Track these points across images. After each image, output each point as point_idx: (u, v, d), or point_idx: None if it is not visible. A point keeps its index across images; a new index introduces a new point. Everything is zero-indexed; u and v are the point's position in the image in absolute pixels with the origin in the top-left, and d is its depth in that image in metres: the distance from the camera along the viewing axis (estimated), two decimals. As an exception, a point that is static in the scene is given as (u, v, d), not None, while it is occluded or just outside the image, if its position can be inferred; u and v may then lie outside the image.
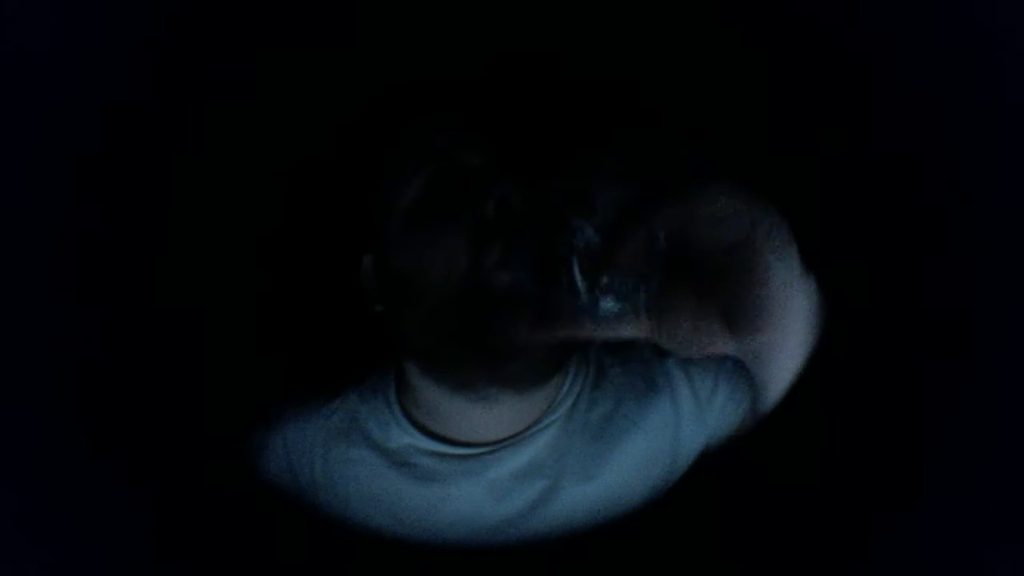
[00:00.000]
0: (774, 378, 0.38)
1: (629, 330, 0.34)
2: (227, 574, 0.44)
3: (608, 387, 0.54)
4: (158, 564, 0.41)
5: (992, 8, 0.43)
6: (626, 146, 0.34)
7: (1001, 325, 0.40)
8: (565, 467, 0.50)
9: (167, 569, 0.42)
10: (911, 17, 0.45)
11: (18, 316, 0.44)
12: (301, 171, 0.58)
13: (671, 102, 0.48)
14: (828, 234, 0.36)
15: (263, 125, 0.53)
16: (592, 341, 0.56)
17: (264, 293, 0.61)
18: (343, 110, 0.54)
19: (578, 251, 0.32)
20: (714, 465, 0.52)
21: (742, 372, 0.53)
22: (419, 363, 0.48)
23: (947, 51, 0.44)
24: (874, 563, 0.39)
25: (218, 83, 0.50)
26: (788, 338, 0.34)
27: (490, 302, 0.42)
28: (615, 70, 0.50)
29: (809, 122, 0.48)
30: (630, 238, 0.31)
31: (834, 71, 0.47)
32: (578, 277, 0.32)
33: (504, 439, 0.50)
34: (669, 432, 0.52)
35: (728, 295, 0.32)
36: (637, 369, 0.55)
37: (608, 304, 0.32)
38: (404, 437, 0.52)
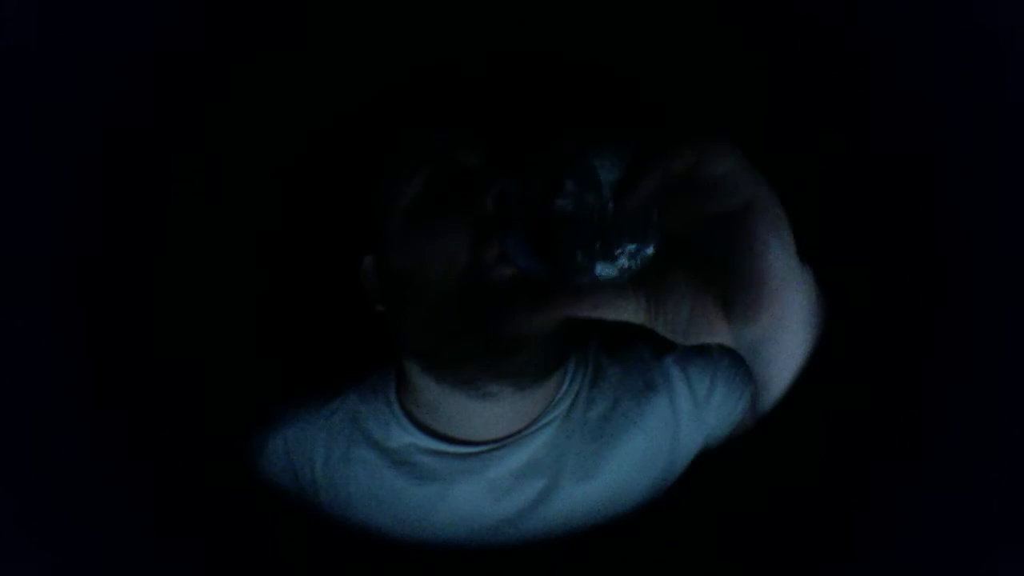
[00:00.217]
0: (773, 374, 0.37)
1: (628, 314, 0.33)
2: (227, 574, 0.44)
3: (606, 386, 0.54)
4: (158, 564, 0.41)
5: (992, 7, 0.43)
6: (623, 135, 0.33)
7: (1001, 325, 0.40)
8: (564, 466, 0.51)
9: (167, 569, 0.42)
10: (912, 16, 0.45)
11: (18, 315, 0.44)
12: (301, 172, 0.58)
13: (670, 102, 0.48)
14: (827, 234, 0.36)
15: (263, 126, 0.53)
16: (591, 330, 0.56)
17: (264, 293, 0.61)
18: (342, 111, 0.54)
19: (572, 214, 0.31)
20: (712, 464, 0.52)
21: (740, 371, 0.53)
22: (420, 361, 0.48)
23: (947, 50, 0.44)
24: (874, 563, 0.39)
25: (218, 83, 0.50)
26: (786, 330, 0.33)
27: (491, 297, 0.43)
28: (614, 69, 0.50)
29: (808, 121, 0.48)
30: (626, 202, 0.31)
31: (833, 70, 0.47)
32: (574, 240, 0.31)
33: (503, 438, 0.51)
34: (667, 431, 0.53)
35: (725, 276, 0.31)
36: (635, 368, 0.55)
37: (606, 269, 0.31)
38: (404, 436, 0.52)
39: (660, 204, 0.31)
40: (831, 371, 0.37)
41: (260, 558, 0.45)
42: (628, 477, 0.51)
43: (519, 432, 0.51)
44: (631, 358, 0.56)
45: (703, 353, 0.55)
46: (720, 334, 0.33)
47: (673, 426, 0.53)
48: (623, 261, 0.31)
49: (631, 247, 0.31)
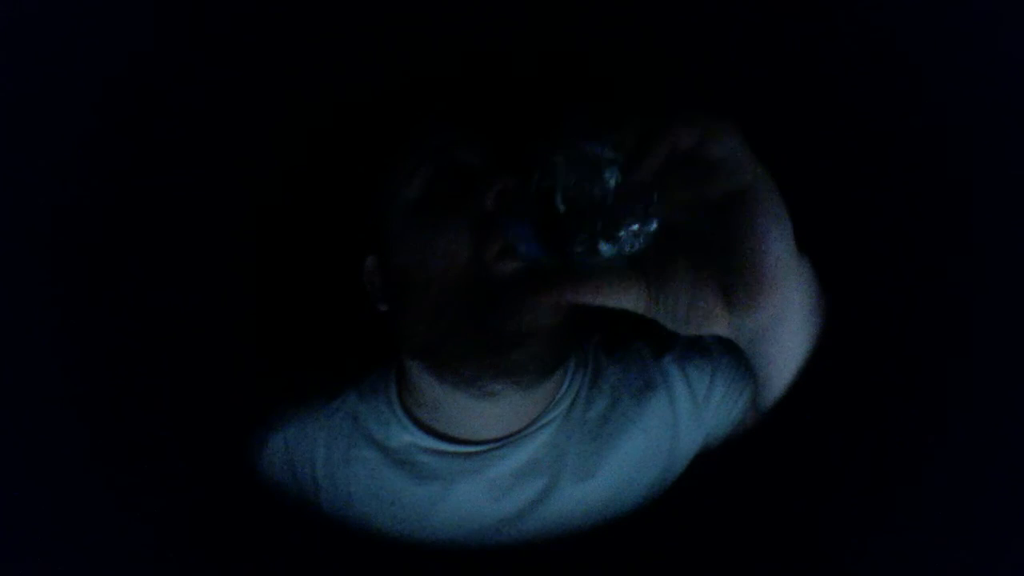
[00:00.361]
0: (773, 369, 0.37)
1: (629, 301, 0.33)
2: (227, 574, 0.44)
3: (605, 386, 0.54)
4: (158, 564, 0.41)
5: (992, 7, 0.43)
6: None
7: (1002, 325, 0.40)
8: (563, 466, 0.51)
9: (167, 569, 0.42)
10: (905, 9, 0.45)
11: (19, 315, 0.44)
12: (302, 173, 0.58)
13: (670, 100, 0.48)
14: (826, 233, 0.36)
15: (264, 126, 0.53)
16: (591, 330, 0.56)
17: (265, 293, 0.61)
18: (343, 112, 0.54)
19: (573, 194, 0.31)
20: (712, 464, 0.52)
21: (739, 369, 0.53)
22: (422, 359, 0.48)
23: (947, 49, 0.44)
24: (874, 563, 0.39)
25: (219, 84, 0.50)
26: (786, 323, 0.33)
27: (492, 293, 0.43)
28: (613, 69, 0.50)
29: (808, 121, 0.48)
30: (632, 177, 0.31)
31: (837, 67, 0.47)
32: (576, 220, 0.31)
33: (504, 437, 0.51)
34: (666, 430, 0.53)
35: (725, 263, 0.31)
36: (634, 368, 0.55)
37: (609, 248, 0.31)
38: (405, 435, 0.52)
39: (662, 184, 0.31)
40: (830, 370, 0.37)
41: (260, 558, 0.45)
42: (628, 476, 0.51)
43: (519, 432, 0.51)
44: (630, 358, 0.56)
45: (702, 352, 0.55)
46: (720, 324, 0.32)
47: (672, 425, 0.53)
48: (626, 239, 0.31)
49: (633, 226, 0.31)
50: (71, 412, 0.44)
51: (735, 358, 0.54)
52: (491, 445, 0.50)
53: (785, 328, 0.33)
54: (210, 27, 0.49)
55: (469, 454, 0.50)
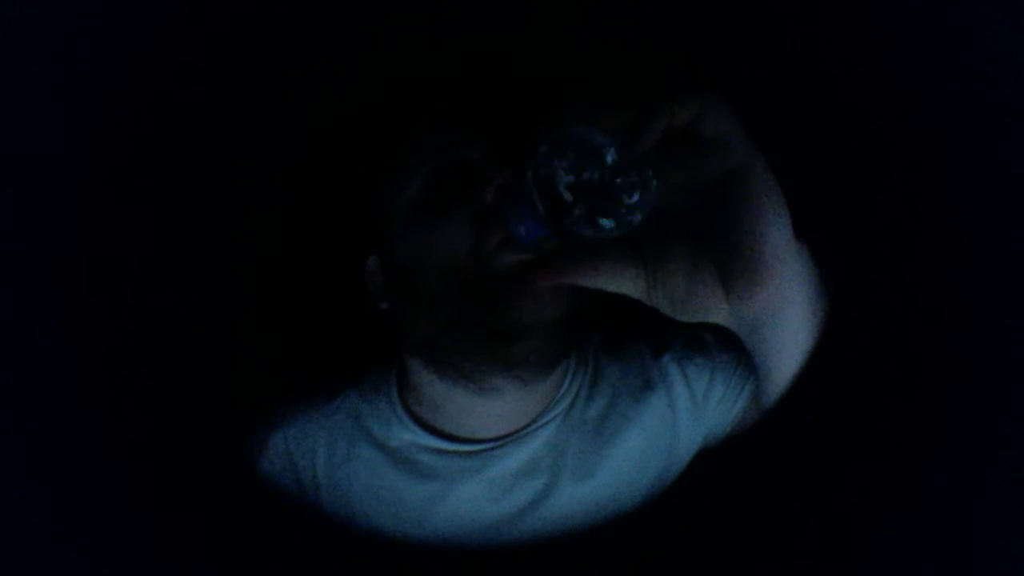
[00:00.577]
0: (775, 360, 0.37)
1: (627, 285, 0.33)
2: (228, 573, 0.44)
3: (605, 386, 0.54)
4: (159, 564, 0.41)
5: (993, 6, 0.43)
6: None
7: (1003, 325, 0.40)
8: (563, 465, 0.51)
9: (167, 569, 0.42)
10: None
11: (19, 315, 0.44)
12: (302, 174, 0.58)
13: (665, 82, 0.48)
14: (826, 232, 0.36)
15: (265, 127, 0.53)
16: (591, 328, 0.56)
17: (265, 293, 0.61)
18: (344, 113, 0.54)
19: (570, 169, 0.31)
20: (712, 463, 0.52)
21: (739, 368, 0.53)
22: (423, 356, 0.48)
23: (947, 47, 0.44)
24: (874, 563, 0.39)
25: (220, 85, 0.50)
26: (787, 311, 0.33)
27: (492, 285, 0.43)
28: (612, 68, 0.50)
29: (807, 121, 0.48)
30: (630, 151, 0.31)
31: (836, 66, 0.47)
32: (574, 195, 0.31)
33: (504, 436, 0.51)
34: (666, 429, 0.53)
35: (722, 246, 0.31)
36: (633, 367, 0.55)
37: (607, 223, 0.31)
38: (406, 434, 0.52)
39: (659, 160, 0.31)
40: (830, 370, 0.36)
41: (261, 557, 0.45)
42: (627, 475, 0.51)
43: (519, 431, 0.51)
44: (630, 357, 0.56)
45: (701, 351, 0.55)
46: (719, 310, 0.32)
47: (671, 424, 0.53)
48: (625, 214, 0.31)
49: (633, 199, 0.31)
50: (71, 412, 0.44)
51: (734, 357, 0.54)
52: (491, 444, 0.51)
53: (785, 316, 0.33)
54: (211, 27, 0.49)
55: (469, 453, 0.50)
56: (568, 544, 0.48)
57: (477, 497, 0.50)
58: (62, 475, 0.42)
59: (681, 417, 0.53)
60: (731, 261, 0.31)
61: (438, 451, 0.51)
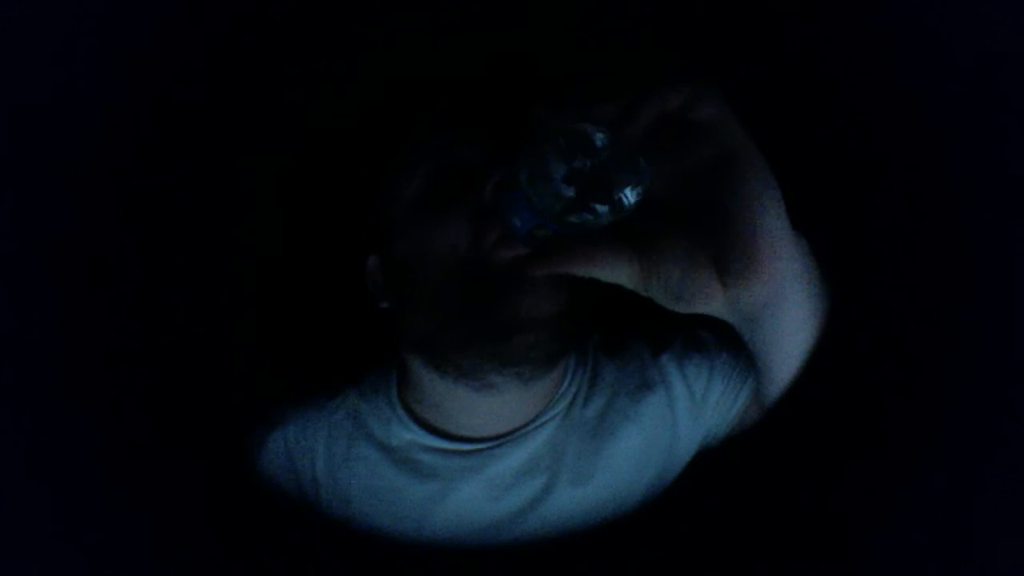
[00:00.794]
0: (775, 355, 0.36)
1: (622, 275, 0.33)
2: (228, 573, 0.44)
3: (603, 385, 0.54)
4: (158, 564, 0.41)
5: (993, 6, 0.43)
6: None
7: (1003, 325, 0.40)
8: (562, 465, 0.51)
9: (167, 569, 0.42)
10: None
11: (19, 315, 0.44)
12: (303, 174, 0.59)
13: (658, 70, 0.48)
14: (826, 233, 0.36)
15: (262, 127, 0.53)
16: (591, 326, 0.56)
17: (267, 293, 0.61)
18: (345, 114, 0.54)
19: (563, 155, 0.31)
20: (711, 463, 0.52)
21: (738, 367, 0.53)
22: (423, 353, 0.48)
23: (947, 47, 0.44)
24: (874, 563, 0.39)
25: (220, 86, 0.50)
26: (784, 302, 0.32)
27: (491, 280, 0.43)
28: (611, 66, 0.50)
29: (807, 120, 0.48)
30: (622, 136, 0.30)
31: (835, 66, 0.47)
32: (569, 181, 0.31)
33: (504, 434, 0.51)
34: (665, 428, 0.53)
35: (716, 234, 0.31)
36: (632, 367, 0.55)
37: (602, 209, 0.31)
38: (405, 434, 0.52)
39: (652, 145, 0.31)
40: (829, 370, 0.36)
41: (260, 557, 0.45)
42: (626, 475, 0.51)
43: (519, 429, 0.51)
44: (628, 357, 0.56)
45: (700, 350, 0.55)
46: (716, 301, 0.32)
47: (670, 424, 0.53)
48: (620, 199, 0.31)
49: (627, 184, 0.31)
50: (71, 412, 0.44)
51: (733, 355, 0.54)
52: (491, 443, 0.51)
53: (784, 308, 0.33)
54: (211, 27, 0.49)
55: (469, 452, 0.51)
56: (568, 544, 0.48)
57: (477, 497, 0.50)
58: (62, 475, 0.42)
59: (680, 416, 0.53)
60: (726, 250, 0.31)
61: (438, 450, 0.51)
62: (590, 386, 0.54)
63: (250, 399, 0.54)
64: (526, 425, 0.51)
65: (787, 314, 0.33)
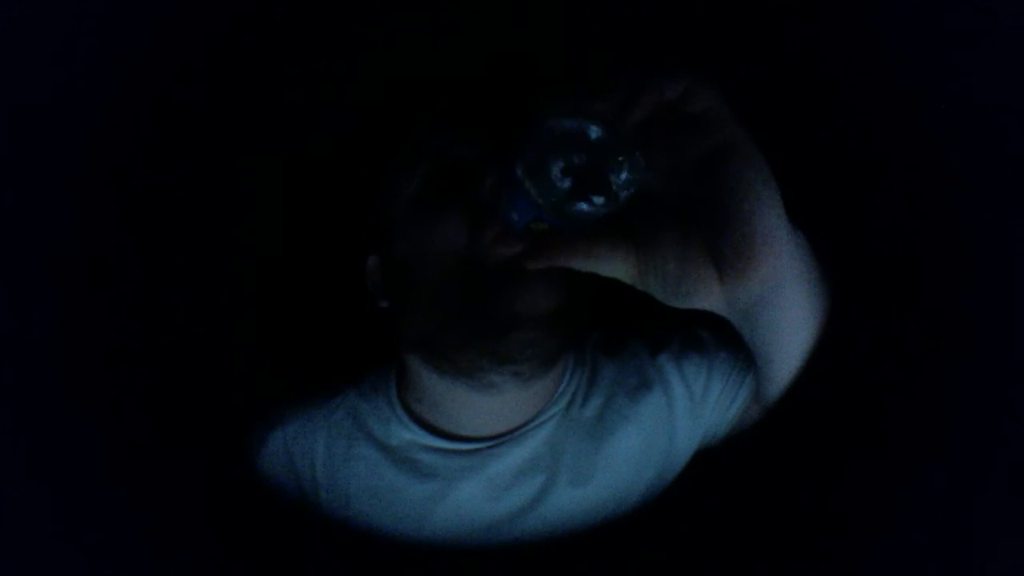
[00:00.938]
0: (774, 351, 0.36)
1: (619, 269, 0.33)
2: (227, 573, 0.44)
3: (602, 384, 0.54)
4: (158, 564, 0.41)
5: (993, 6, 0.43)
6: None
7: (1003, 324, 0.40)
8: (562, 464, 0.51)
9: (167, 568, 0.42)
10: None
11: (19, 315, 0.44)
12: (302, 174, 0.58)
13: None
14: (826, 233, 0.36)
15: (262, 127, 0.53)
16: (589, 325, 0.56)
17: (265, 293, 0.61)
18: (343, 112, 0.54)
19: (560, 144, 0.31)
20: (711, 463, 0.52)
21: (737, 366, 0.53)
22: (421, 351, 0.48)
23: (946, 46, 0.44)
24: (874, 563, 0.39)
25: (221, 88, 0.50)
26: (782, 295, 0.32)
27: (488, 278, 0.43)
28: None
29: (807, 120, 0.48)
30: (618, 126, 0.30)
31: (842, 65, 0.47)
32: (565, 171, 0.31)
33: (503, 433, 0.51)
34: (663, 428, 0.53)
35: (712, 226, 0.31)
36: (630, 366, 0.55)
37: (599, 200, 0.31)
38: (405, 433, 0.52)
39: (649, 136, 0.31)
40: (829, 369, 0.36)
41: (260, 557, 0.45)
42: (626, 474, 0.51)
43: (518, 428, 0.51)
44: (627, 356, 0.56)
45: (699, 349, 0.55)
46: (713, 295, 0.32)
47: (669, 423, 0.53)
48: (617, 188, 0.31)
49: (623, 173, 0.31)
50: (71, 411, 0.44)
51: (732, 354, 0.54)
52: (491, 442, 0.51)
53: (781, 301, 0.32)
54: (211, 27, 0.49)
55: (469, 451, 0.50)
56: (567, 544, 0.48)
57: (476, 496, 0.50)
58: (62, 475, 0.42)
59: (679, 416, 0.53)
60: (723, 243, 0.30)
61: (437, 450, 0.51)
62: (589, 386, 0.54)
63: (250, 399, 0.54)
64: (525, 424, 0.51)
65: (785, 309, 0.33)
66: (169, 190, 0.51)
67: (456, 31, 0.51)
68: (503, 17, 0.51)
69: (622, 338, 0.57)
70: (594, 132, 0.31)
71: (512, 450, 0.50)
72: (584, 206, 0.31)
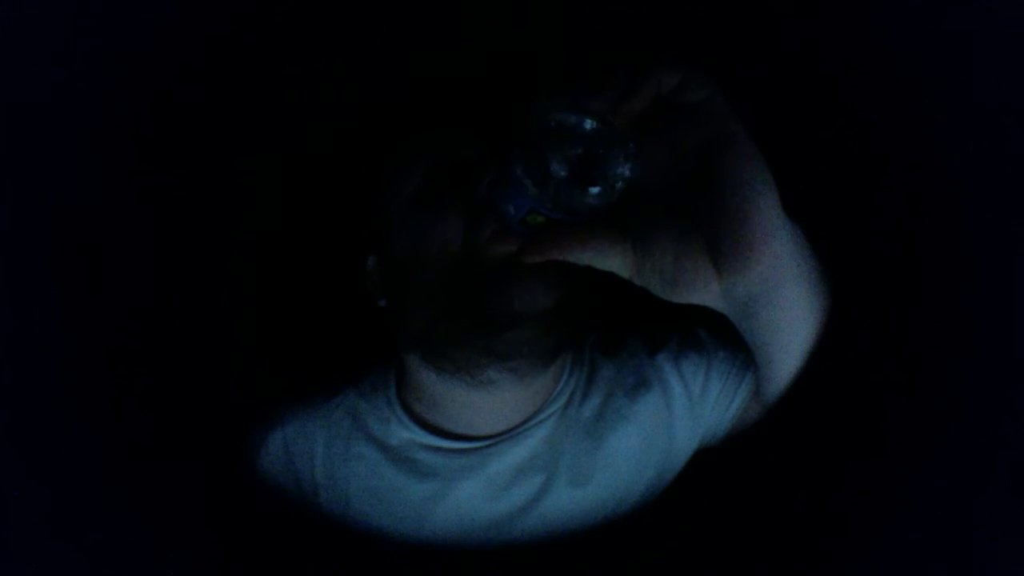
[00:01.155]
0: (773, 346, 0.36)
1: (615, 261, 0.33)
2: (227, 573, 0.44)
3: (600, 384, 0.54)
4: (158, 564, 0.41)
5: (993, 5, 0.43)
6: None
7: (1003, 324, 0.40)
8: (560, 463, 0.51)
9: (166, 568, 0.42)
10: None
11: (19, 315, 0.44)
12: (302, 175, 0.59)
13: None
14: (826, 233, 0.36)
15: (262, 127, 0.53)
16: (588, 325, 0.56)
17: (265, 293, 0.61)
18: (343, 113, 0.54)
19: (556, 135, 0.31)
20: (711, 463, 0.52)
21: (735, 365, 0.53)
22: (419, 349, 0.48)
23: (946, 45, 0.44)
24: (874, 563, 0.39)
25: (221, 89, 0.50)
26: (781, 290, 0.32)
27: (485, 275, 0.43)
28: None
29: (807, 120, 0.48)
30: (615, 117, 0.30)
31: (835, 66, 0.47)
32: (561, 162, 0.31)
33: (502, 432, 0.51)
34: (662, 427, 0.53)
35: (709, 219, 0.30)
36: (629, 366, 0.55)
37: (594, 190, 0.31)
38: (404, 432, 0.52)
39: (645, 127, 0.31)
40: (829, 369, 0.36)
41: (260, 557, 0.45)
42: (625, 473, 0.51)
43: (517, 427, 0.51)
44: (625, 356, 0.56)
45: (697, 348, 0.55)
46: (711, 289, 0.31)
47: (667, 422, 0.53)
48: (613, 177, 0.31)
49: (619, 163, 0.31)
50: (70, 411, 0.44)
51: (731, 353, 0.54)
52: (490, 441, 0.51)
53: (780, 296, 0.32)
54: (211, 27, 0.49)
55: (468, 450, 0.51)
56: (567, 543, 0.48)
57: (476, 495, 0.50)
58: (62, 475, 0.42)
59: (677, 415, 0.53)
60: (719, 235, 0.30)
61: (437, 449, 0.51)
62: (587, 385, 0.54)
63: (250, 399, 0.54)
64: (524, 423, 0.51)
65: (784, 303, 0.33)
66: (169, 190, 0.51)
67: (456, 31, 0.51)
68: (503, 17, 0.51)
69: (621, 338, 0.57)
70: (589, 124, 0.31)
71: (511, 449, 0.50)
72: (580, 196, 0.31)
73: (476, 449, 0.51)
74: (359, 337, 0.58)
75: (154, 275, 0.50)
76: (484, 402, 0.49)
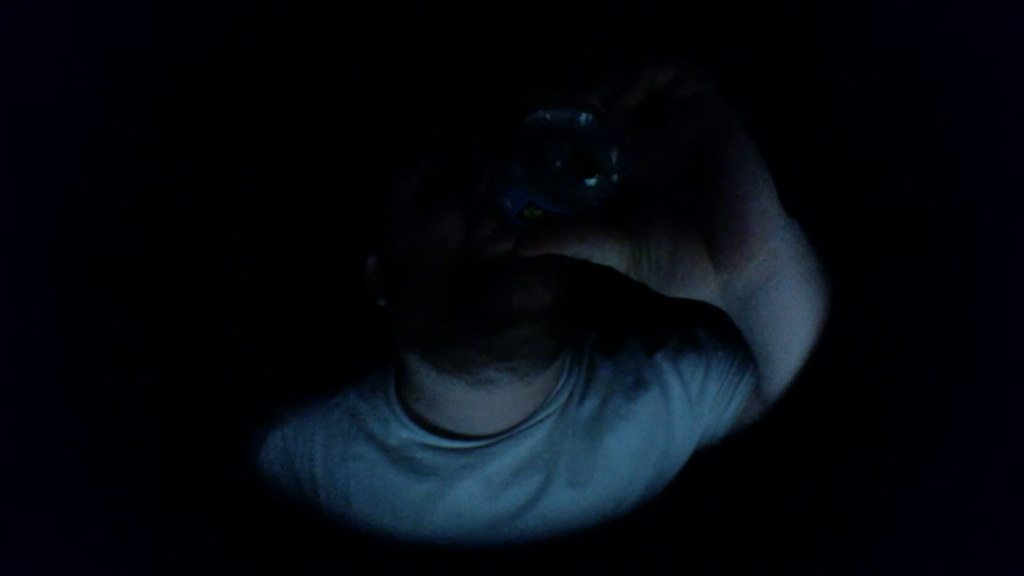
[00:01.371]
0: (772, 342, 0.36)
1: (612, 256, 0.33)
2: (226, 573, 0.44)
3: (599, 383, 0.54)
4: (157, 564, 0.41)
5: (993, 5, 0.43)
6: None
7: (1003, 324, 0.40)
8: (559, 462, 0.51)
9: (166, 568, 0.42)
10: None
11: (19, 315, 0.44)
12: (302, 175, 0.59)
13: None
14: (825, 232, 0.36)
15: (262, 127, 0.53)
16: (587, 325, 0.56)
17: (265, 293, 0.61)
18: (343, 115, 0.54)
19: (552, 130, 0.31)
20: (710, 463, 0.52)
21: (734, 365, 0.53)
22: (419, 348, 0.48)
23: (946, 45, 0.44)
24: (874, 563, 0.39)
25: (221, 89, 0.50)
26: (779, 286, 0.32)
27: (484, 273, 0.43)
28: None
29: (807, 120, 0.48)
30: (611, 110, 0.31)
31: (835, 65, 0.47)
32: (557, 156, 0.31)
33: (502, 432, 0.51)
34: (661, 427, 0.53)
35: (706, 213, 0.30)
36: (627, 366, 0.55)
37: (591, 182, 0.31)
38: (404, 432, 0.52)
39: (639, 123, 0.31)
40: (829, 369, 0.36)
41: (260, 556, 0.45)
42: (624, 473, 0.51)
43: (516, 427, 0.51)
44: (624, 355, 0.56)
45: (696, 348, 0.55)
46: (708, 283, 0.31)
47: (667, 422, 0.53)
48: (609, 171, 0.31)
49: (612, 159, 0.31)
50: (70, 411, 0.44)
51: (729, 352, 0.54)
52: (489, 440, 0.51)
53: (778, 291, 0.32)
54: (211, 27, 0.49)
55: (467, 450, 0.51)
56: (566, 543, 0.48)
57: (475, 495, 0.50)
58: (62, 475, 0.42)
59: (676, 415, 0.53)
60: (716, 229, 0.30)
61: (436, 448, 0.51)
62: (586, 385, 0.54)
63: (250, 399, 0.54)
64: (523, 423, 0.51)
65: (782, 300, 0.33)
66: (169, 190, 0.51)
67: (455, 31, 0.51)
68: (502, 17, 0.51)
69: (619, 338, 0.57)
70: (584, 118, 0.31)
71: (510, 448, 0.50)
72: (576, 188, 0.31)
73: (475, 449, 0.51)
74: (359, 337, 0.58)
75: (154, 275, 0.50)
76: (484, 402, 0.49)
